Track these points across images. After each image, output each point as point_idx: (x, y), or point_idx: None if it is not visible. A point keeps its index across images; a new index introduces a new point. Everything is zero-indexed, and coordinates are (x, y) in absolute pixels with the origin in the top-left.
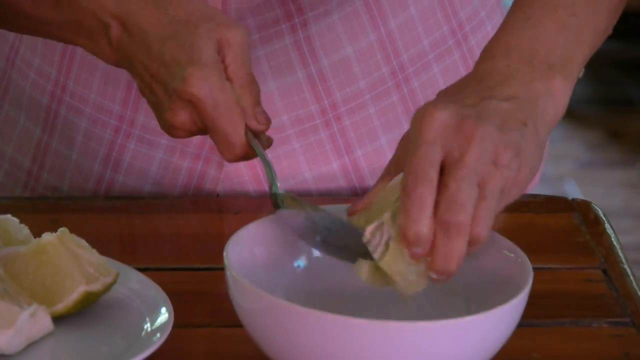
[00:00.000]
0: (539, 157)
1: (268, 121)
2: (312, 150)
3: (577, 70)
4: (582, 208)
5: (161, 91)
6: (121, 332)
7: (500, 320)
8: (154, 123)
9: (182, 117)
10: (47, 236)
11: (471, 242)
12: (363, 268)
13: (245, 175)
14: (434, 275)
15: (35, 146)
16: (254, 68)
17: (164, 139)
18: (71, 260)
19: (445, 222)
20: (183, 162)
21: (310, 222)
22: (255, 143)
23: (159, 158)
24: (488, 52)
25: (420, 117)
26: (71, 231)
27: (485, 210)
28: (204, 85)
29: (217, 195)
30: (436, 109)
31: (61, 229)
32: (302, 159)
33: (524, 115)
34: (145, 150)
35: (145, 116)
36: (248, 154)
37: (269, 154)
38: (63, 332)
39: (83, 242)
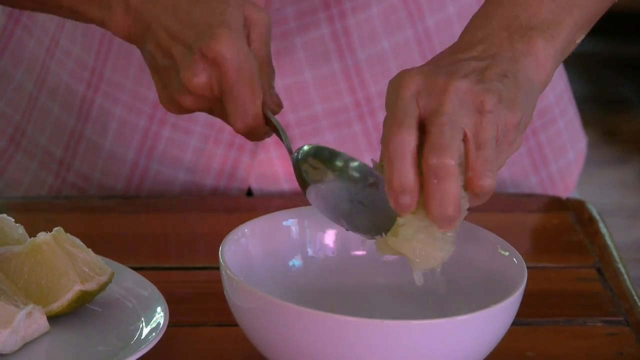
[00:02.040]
0: (527, 104)
1: (281, 105)
2: (345, 143)
3: (564, 33)
4: (576, 207)
5: (181, 51)
6: (116, 332)
7: (494, 319)
8: None
9: (201, 77)
10: (42, 235)
11: (476, 195)
12: (380, 242)
13: (277, 165)
14: (437, 227)
15: (69, 135)
16: (289, 56)
17: (198, 126)
18: (66, 260)
19: (431, 166)
20: (217, 149)
21: (335, 197)
22: (268, 112)
23: (193, 145)
24: (469, 24)
25: (395, 83)
26: (66, 230)
27: (483, 160)
28: (232, 46)
29: (249, 189)
30: (409, 73)
31: (56, 228)
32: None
33: (502, 69)
34: (179, 137)
35: None
36: (259, 126)
37: (302, 144)
38: (58, 332)
39: (78, 241)
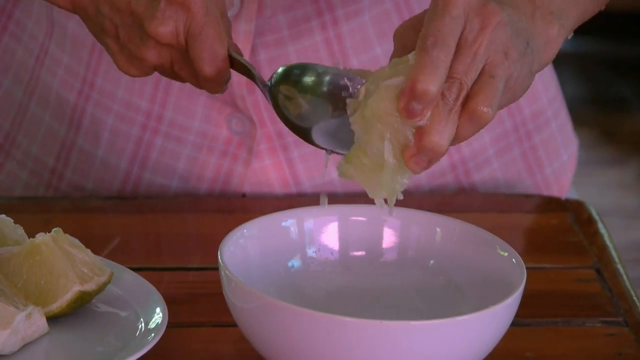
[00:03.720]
0: (528, 81)
1: (241, 54)
2: None
3: (570, 24)
4: (575, 207)
5: (143, 4)
6: (115, 332)
7: (494, 320)
8: (181, 119)
9: (168, 25)
10: (41, 236)
11: (476, 121)
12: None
13: (271, 173)
14: (419, 154)
15: (60, 144)
16: (283, 64)
17: (191, 136)
18: (65, 260)
19: (446, 99)
20: (210, 158)
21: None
22: (233, 53)
23: (186, 154)
24: None
25: None
26: (65, 231)
27: (493, 88)
28: None
29: (244, 195)
30: None
31: (55, 228)
32: (329, 158)
33: (527, 35)
34: (172, 146)
35: (173, 112)
36: (226, 70)
37: (296, 151)
38: (57, 332)
39: (77, 241)
